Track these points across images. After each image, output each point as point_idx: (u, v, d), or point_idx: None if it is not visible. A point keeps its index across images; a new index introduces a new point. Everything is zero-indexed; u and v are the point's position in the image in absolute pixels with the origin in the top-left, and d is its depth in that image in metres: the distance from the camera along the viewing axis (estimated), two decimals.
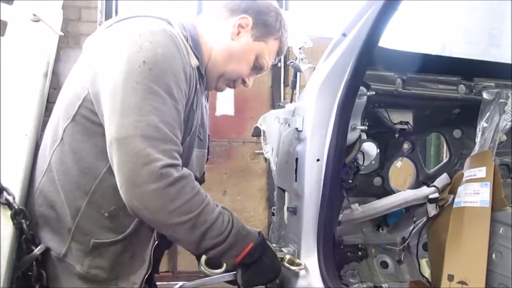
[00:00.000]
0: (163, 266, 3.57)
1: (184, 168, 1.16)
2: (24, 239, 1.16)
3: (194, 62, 1.27)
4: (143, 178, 1.08)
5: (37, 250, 1.15)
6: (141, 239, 1.27)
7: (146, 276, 1.28)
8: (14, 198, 1.15)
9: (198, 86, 1.30)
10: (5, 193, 1.14)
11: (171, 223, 1.13)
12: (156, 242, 1.29)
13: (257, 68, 1.42)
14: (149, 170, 1.08)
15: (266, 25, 1.37)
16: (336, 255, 1.46)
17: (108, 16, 3.67)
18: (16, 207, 1.14)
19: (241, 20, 1.35)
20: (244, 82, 1.44)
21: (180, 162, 1.15)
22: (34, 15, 1.37)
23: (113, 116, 1.12)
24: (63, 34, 1.44)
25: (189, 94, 1.24)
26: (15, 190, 1.17)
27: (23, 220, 1.15)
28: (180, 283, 1.30)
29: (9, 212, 1.13)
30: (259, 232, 1.29)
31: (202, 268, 1.29)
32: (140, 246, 1.27)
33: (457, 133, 1.98)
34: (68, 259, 1.20)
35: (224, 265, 1.29)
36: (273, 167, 1.85)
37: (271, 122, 1.89)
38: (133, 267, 1.27)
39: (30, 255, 1.14)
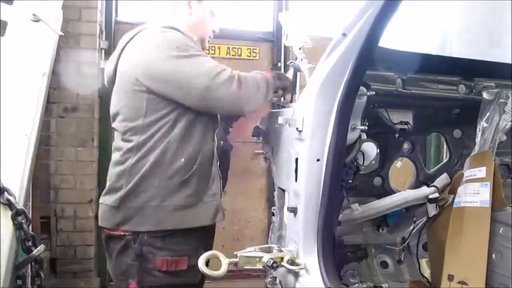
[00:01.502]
0: None
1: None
2: (24, 240, 1.16)
3: None
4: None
5: (36, 251, 1.16)
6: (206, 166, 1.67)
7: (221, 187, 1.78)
8: (15, 199, 1.15)
9: None
10: (6, 194, 1.14)
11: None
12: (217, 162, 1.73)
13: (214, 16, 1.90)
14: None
15: None
16: (336, 255, 1.46)
17: (108, 16, 3.67)
18: (17, 207, 1.15)
19: None
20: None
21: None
22: (34, 15, 1.38)
23: None
24: (63, 34, 1.44)
25: None
26: (15, 190, 1.17)
27: (23, 221, 1.15)
28: None
29: (9, 213, 1.13)
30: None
31: (202, 268, 1.29)
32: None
33: (457, 133, 1.98)
34: None
35: (224, 265, 1.29)
36: (273, 167, 1.85)
37: (271, 122, 1.89)
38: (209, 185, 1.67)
39: (29, 255, 1.15)
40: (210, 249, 1.65)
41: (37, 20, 1.37)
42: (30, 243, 1.16)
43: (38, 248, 1.16)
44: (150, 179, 1.58)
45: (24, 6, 1.38)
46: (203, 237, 1.68)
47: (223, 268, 1.30)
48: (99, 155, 3.37)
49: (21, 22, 1.37)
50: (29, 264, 1.16)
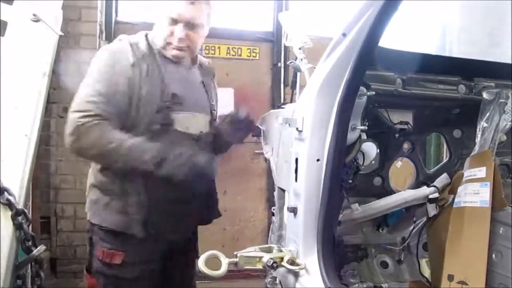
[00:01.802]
0: None
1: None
2: (24, 240, 1.16)
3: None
4: None
5: (36, 251, 1.17)
6: None
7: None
8: (15, 199, 1.16)
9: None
10: (6, 194, 1.15)
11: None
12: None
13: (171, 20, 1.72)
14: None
15: None
16: (336, 255, 1.46)
17: (108, 16, 3.67)
18: (17, 207, 1.15)
19: None
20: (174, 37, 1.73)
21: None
22: (34, 15, 1.39)
23: None
24: (63, 34, 1.44)
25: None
26: (16, 190, 1.17)
27: (23, 221, 1.16)
28: None
29: (9, 213, 1.14)
30: None
31: (202, 268, 1.29)
32: None
33: (457, 133, 1.97)
34: None
35: (224, 265, 1.29)
36: (273, 167, 1.85)
37: (271, 122, 1.89)
38: None
39: (29, 255, 1.16)
40: (156, 257, 1.75)
41: (37, 20, 1.39)
42: (30, 243, 1.18)
43: (38, 248, 1.18)
44: (101, 178, 1.72)
45: (24, 6, 1.39)
46: (147, 242, 1.71)
47: (223, 268, 1.31)
48: None
49: (21, 22, 1.38)
50: (29, 264, 1.16)
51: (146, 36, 1.80)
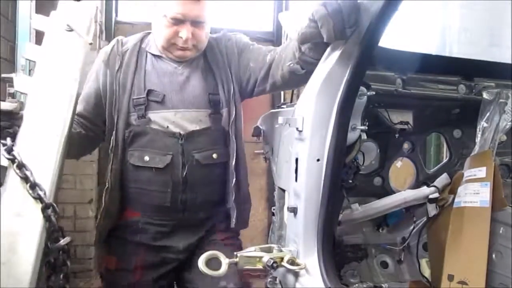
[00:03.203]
0: None
1: None
2: (52, 230, 1.27)
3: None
4: None
5: (63, 241, 1.28)
6: None
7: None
8: (45, 193, 1.25)
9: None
10: (37, 188, 1.25)
11: None
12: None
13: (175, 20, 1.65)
14: None
15: None
16: (336, 255, 1.46)
17: (108, 16, 3.68)
18: (46, 201, 1.25)
19: None
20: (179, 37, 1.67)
21: None
22: (68, 25, 1.47)
23: None
24: (92, 42, 1.53)
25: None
26: (46, 186, 1.27)
27: (52, 214, 1.25)
28: None
29: (40, 206, 1.24)
30: None
31: (202, 268, 1.29)
32: None
33: (457, 133, 1.97)
34: None
35: (224, 265, 1.29)
36: (273, 167, 1.85)
37: (271, 122, 1.89)
38: None
39: (57, 244, 1.27)
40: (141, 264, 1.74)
41: (71, 30, 1.48)
42: (57, 234, 1.28)
43: (64, 239, 1.29)
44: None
45: (60, 17, 1.50)
46: (138, 250, 1.74)
47: (223, 268, 1.31)
48: (99, 155, 3.37)
49: (57, 32, 1.48)
50: (57, 253, 1.27)
51: (144, 35, 1.81)
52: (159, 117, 1.67)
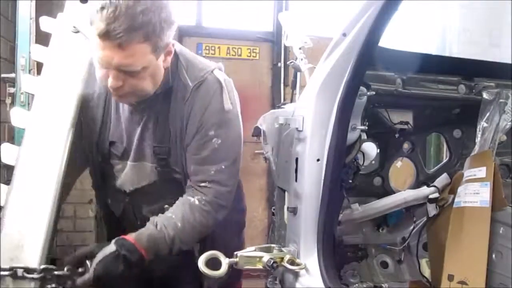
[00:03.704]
0: None
1: None
2: None
3: None
4: None
5: None
6: None
7: None
8: None
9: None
10: None
11: None
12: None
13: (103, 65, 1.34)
14: None
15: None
16: (336, 255, 1.46)
17: None
18: None
19: None
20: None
21: None
22: (74, 27, 1.49)
23: None
24: None
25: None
26: (53, 179, 1.35)
27: None
28: None
29: None
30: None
31: (202, 268, 1.29)
32: None
33: (457, 133, 1.97)
34: None
35: (224, 265, 1.29)
36: (273, 167, 1.85)
37: (271, 122, 1.89)
38: None
39: None
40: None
41: (77, 31, 1.49)
42: None
43: None
44: None
45: (66, 19, 1.52)
46: None
47: (223, 268, 1.31)
48: None
49: (63, 33, 1.51)
50: None
51: None
52: (115, 172, 1.60)
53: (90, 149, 1.58)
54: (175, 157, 1.50)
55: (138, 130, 1.50)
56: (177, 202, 1.51)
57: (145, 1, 1.25)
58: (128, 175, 1.56)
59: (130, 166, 1.54)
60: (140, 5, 1.23)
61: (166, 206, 1.52)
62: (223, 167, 1.52)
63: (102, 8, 1.22)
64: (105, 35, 1.22)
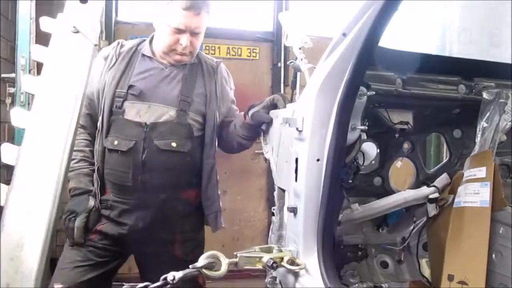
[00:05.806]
0: None
1: None
2: None
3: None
4: None
5: None
6: None
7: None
8: None
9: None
10: None
11: None
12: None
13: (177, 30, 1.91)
14: None
15: None
16: (336, 255, 1.46)
17: (108, 16, 3.67)
18: None
19: None
20: (180, 44, 1.94)
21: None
22: (74, 27, 1.51)
23: None
24: (97, 43, 1.56)
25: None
26: (55, 172, 1.36)
27: None
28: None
29: None
30: None
31: (202, 269, 1.29)
32: None
33: (457, 133, 1.97)
34: None
35: (224, 265, 1.29)
36: (273, 167, 1.85)
37: (271, 122, 1.88)
38: None
39: None
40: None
41: (76, 32, 1.51)
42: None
43: None
44: None
45: (66, 19, 1.52)
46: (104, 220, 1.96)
47: (223, 268, 1.31)
48: None
49: (63, 34, 1.51)
50: None
51: (141, 41, 2.06)
52: (133, 109, 1.91)
53: (104, 97, 1.92)
54: (195, 106, 1.98)
55: (168, 83, 1.97)
56: None
57: None
58: (151, 112, 1.91)
59: (153, 106, 1.92)
60: None
61: (174, 143, 1.90)
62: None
63: None
64: (190, 8, 1.87)
